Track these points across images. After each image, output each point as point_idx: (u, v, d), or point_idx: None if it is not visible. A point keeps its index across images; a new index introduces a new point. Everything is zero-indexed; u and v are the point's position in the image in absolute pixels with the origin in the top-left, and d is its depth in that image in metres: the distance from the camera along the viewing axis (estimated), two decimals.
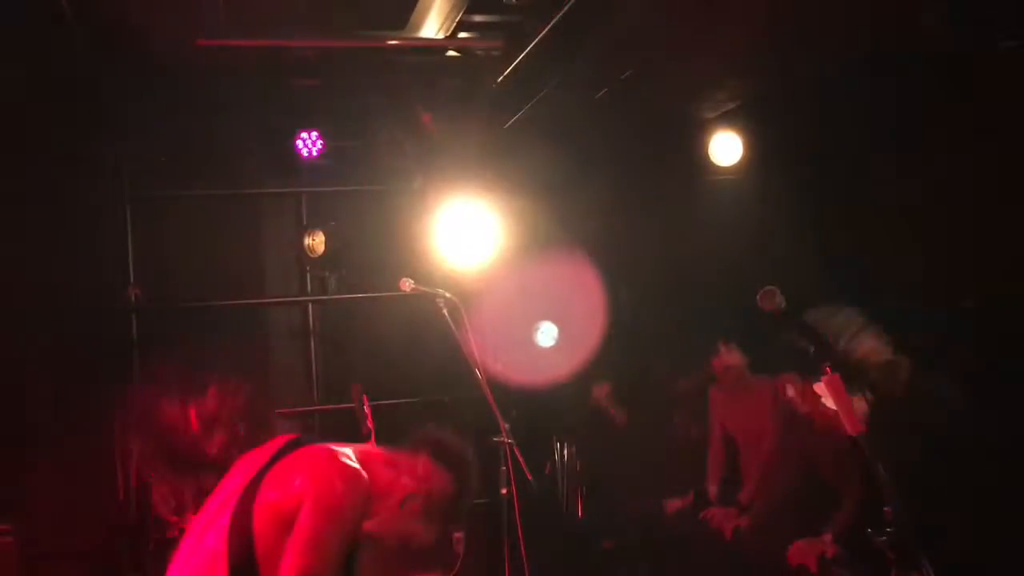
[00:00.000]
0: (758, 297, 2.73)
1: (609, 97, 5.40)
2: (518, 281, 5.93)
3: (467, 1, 4.21)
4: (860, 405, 3.38)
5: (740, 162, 6.08)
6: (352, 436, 5.32)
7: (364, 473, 2.41)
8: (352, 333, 6.35)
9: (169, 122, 5.57)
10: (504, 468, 4.04)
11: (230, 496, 2.40)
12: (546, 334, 6.00)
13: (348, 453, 2.47)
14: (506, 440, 4.03)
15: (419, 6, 4.29)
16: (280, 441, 2.54)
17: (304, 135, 5.67)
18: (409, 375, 6.13)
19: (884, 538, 2.66)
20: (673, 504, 5.51)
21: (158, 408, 4.51)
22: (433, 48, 4.76)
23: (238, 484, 2.41)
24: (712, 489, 5.44)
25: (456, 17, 4.36)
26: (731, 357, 5.31)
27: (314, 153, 5.71)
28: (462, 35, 4.62)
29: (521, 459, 4.04)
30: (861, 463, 4.16)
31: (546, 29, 4.21)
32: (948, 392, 3.61)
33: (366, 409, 3.75)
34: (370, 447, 2.63)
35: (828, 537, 4.25)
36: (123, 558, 5.44)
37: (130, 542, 5.33)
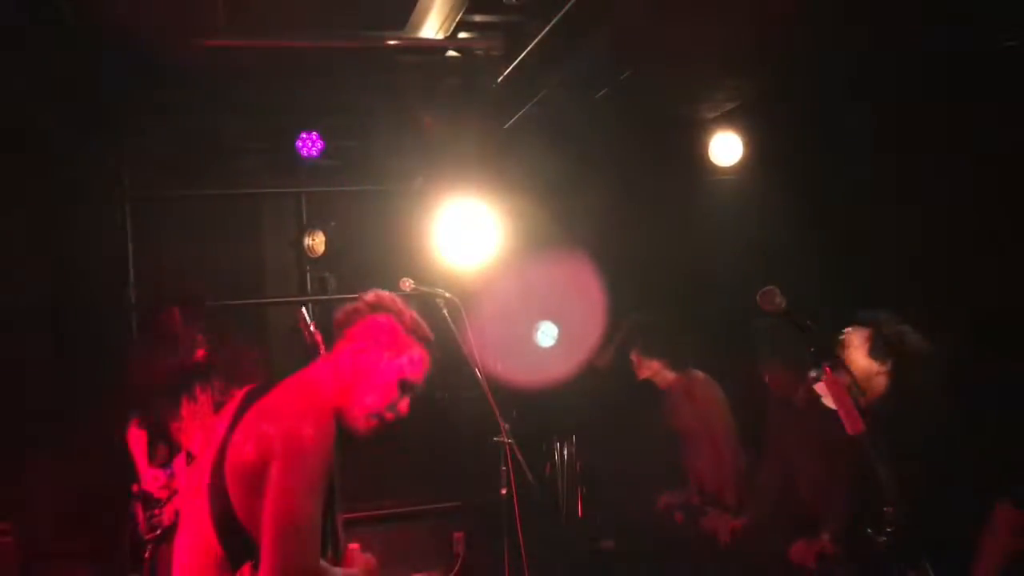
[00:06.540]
0: (758, 297, 2.72)
1: (609, 97, 5.40)
2: (518, 281, 5.92)
3: (467, 1, 4.21)
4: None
5: (740, 162, 6.08)
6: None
7: (324, 411, 2.44)
8: None
9: (169, 122, 5.58)
10: (504, 468, 4.04)
11: (205, 465, 2.43)
12: (546, 334, 5.99)
13: (303, 395, 2.49)
14: (506, 440, 4.03)
15: (419, 6, 4.29)
16: (240, 395, 2.54)
17: (304, 135, 5.67)
18: None
19: (884, 538, 2.65)
20: (665, 499, 5.46)
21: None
22: (433, 48, 4.76)
23: (210, 450, 2.43)
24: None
25: (456, 17, 4.36)
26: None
27: (314, 153, 5.70)
28: (462, 35, 4.62)
29: (521, 459, 4.04)
30: (857, 461, 4.19)
31: (546, 29, 4.21)
32: (943, 393, 3.61)
33: (311, 326, 3.70)
34: (318, 367, 2.66)
35: (826, 536, 4.26)
36: (123, 558, 5.44)
37: (131, 542, 5.32)
